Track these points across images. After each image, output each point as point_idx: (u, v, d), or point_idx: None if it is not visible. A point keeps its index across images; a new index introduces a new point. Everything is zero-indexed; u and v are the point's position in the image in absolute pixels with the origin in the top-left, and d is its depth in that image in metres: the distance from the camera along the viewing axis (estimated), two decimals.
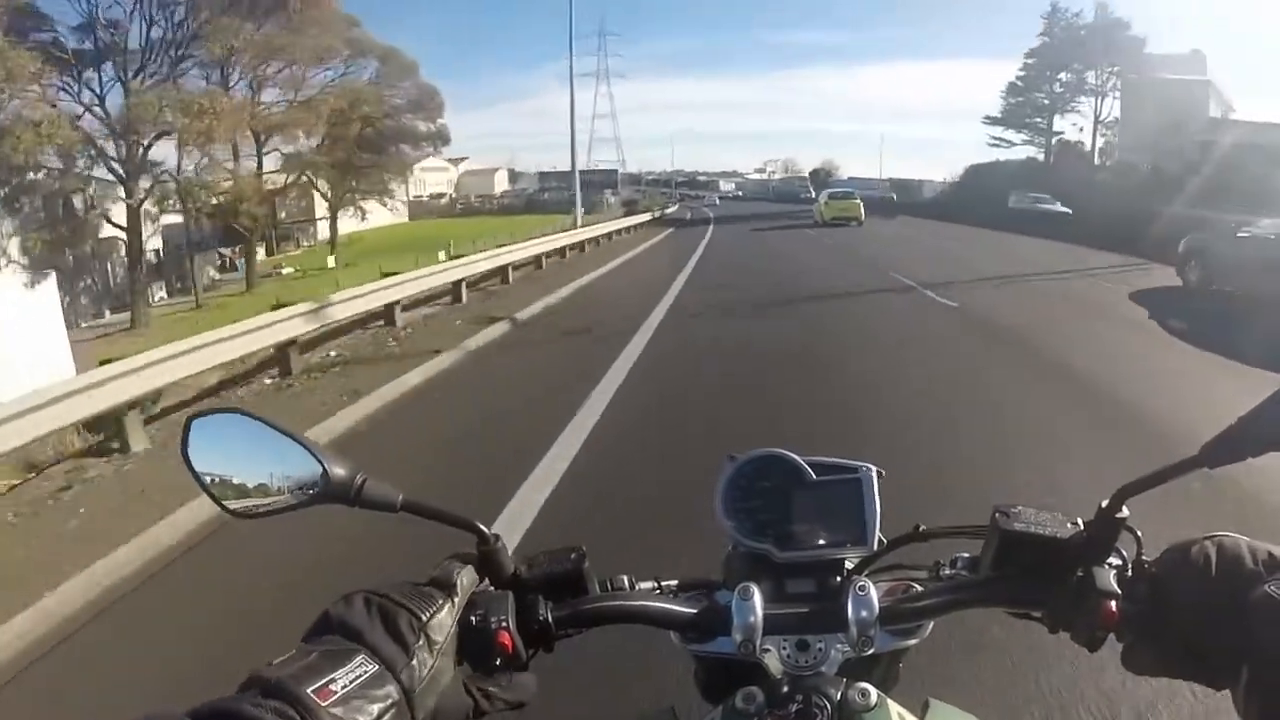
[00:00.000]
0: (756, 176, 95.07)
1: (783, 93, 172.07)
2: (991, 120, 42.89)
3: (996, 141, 43.05)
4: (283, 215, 36.87)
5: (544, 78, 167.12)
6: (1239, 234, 9.75)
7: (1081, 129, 39.95)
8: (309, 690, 0.46)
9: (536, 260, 15.73)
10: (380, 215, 38.11)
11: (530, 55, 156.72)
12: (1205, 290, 9.91)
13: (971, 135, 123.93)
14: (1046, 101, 40.72)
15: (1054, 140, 41.20)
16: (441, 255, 16.87)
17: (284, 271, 31.94)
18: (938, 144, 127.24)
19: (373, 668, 0.49)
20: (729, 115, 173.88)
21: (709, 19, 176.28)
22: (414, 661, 0.52)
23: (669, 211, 42.71)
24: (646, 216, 34.31)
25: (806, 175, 76.21)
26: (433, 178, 60.31)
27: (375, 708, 0.48)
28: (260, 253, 32.08)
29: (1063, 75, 39.51)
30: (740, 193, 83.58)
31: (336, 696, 0.46)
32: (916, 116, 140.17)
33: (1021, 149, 42.59)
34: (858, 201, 28.24)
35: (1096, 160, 38.60)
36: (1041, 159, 40.72)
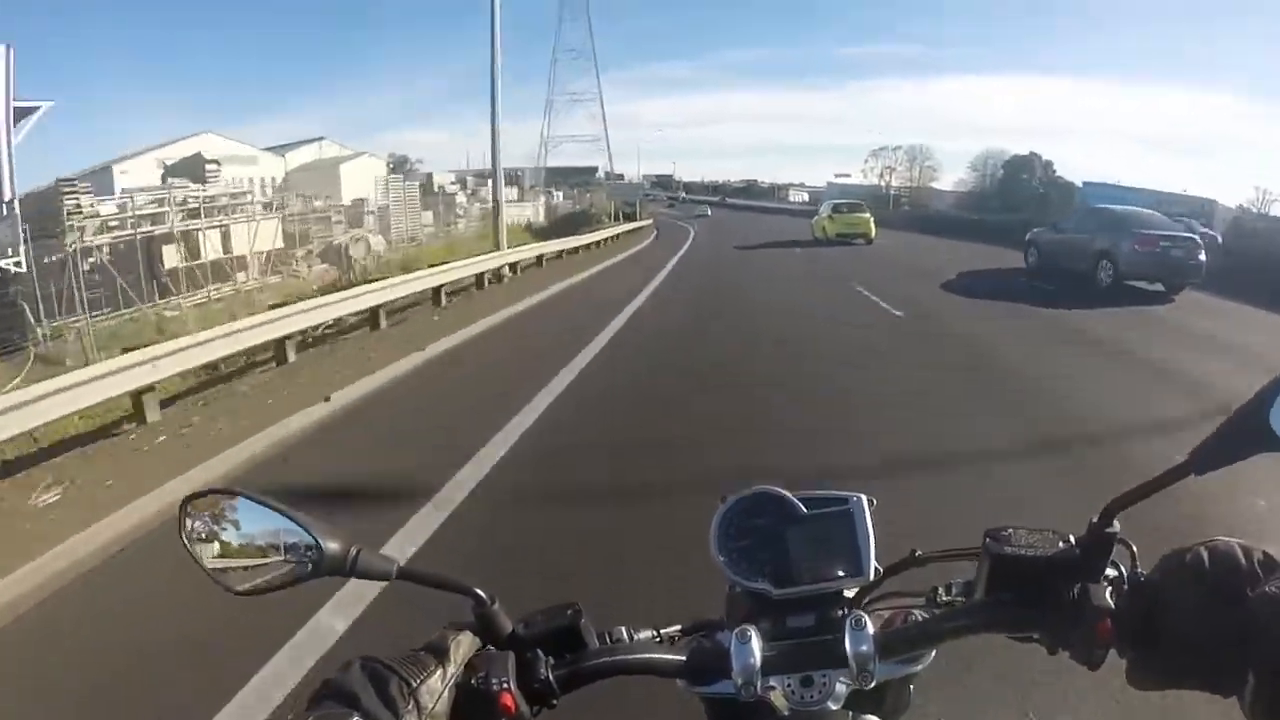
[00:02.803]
0: (842, 181, 64.43)
1: (861, 107, 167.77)
2: None
3: None
4: None
5: (615, 85, 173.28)
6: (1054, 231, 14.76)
7: None
8: None
9: None
10: None
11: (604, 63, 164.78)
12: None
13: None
14: None
15: None
16: None
17: None
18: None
19: None
20: (804, 128, 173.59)
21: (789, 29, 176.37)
22: None
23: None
24: None
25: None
26: (235, 170, 26.71)
27: None
28: None
29: None
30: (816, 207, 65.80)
31: None
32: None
33: None
34: (867, 216, 25.06)
35: None
36: None
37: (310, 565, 0.60)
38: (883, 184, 64.62)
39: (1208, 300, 11.60)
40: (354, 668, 0.56)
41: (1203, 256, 12.05)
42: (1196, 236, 12.56)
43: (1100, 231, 12.87)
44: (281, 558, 0.61)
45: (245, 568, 0.61)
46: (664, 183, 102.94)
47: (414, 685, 0.56)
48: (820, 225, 25.88)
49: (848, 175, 71.69)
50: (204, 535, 0.62)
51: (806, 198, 72.61)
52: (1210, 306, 11.12)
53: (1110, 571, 0.62)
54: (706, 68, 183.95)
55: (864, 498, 0.73)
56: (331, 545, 0.61)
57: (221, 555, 0.61)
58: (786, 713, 0.65)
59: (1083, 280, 12.62)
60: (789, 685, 0.65)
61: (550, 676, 0.62)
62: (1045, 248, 14.75)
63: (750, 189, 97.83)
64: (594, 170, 79.13)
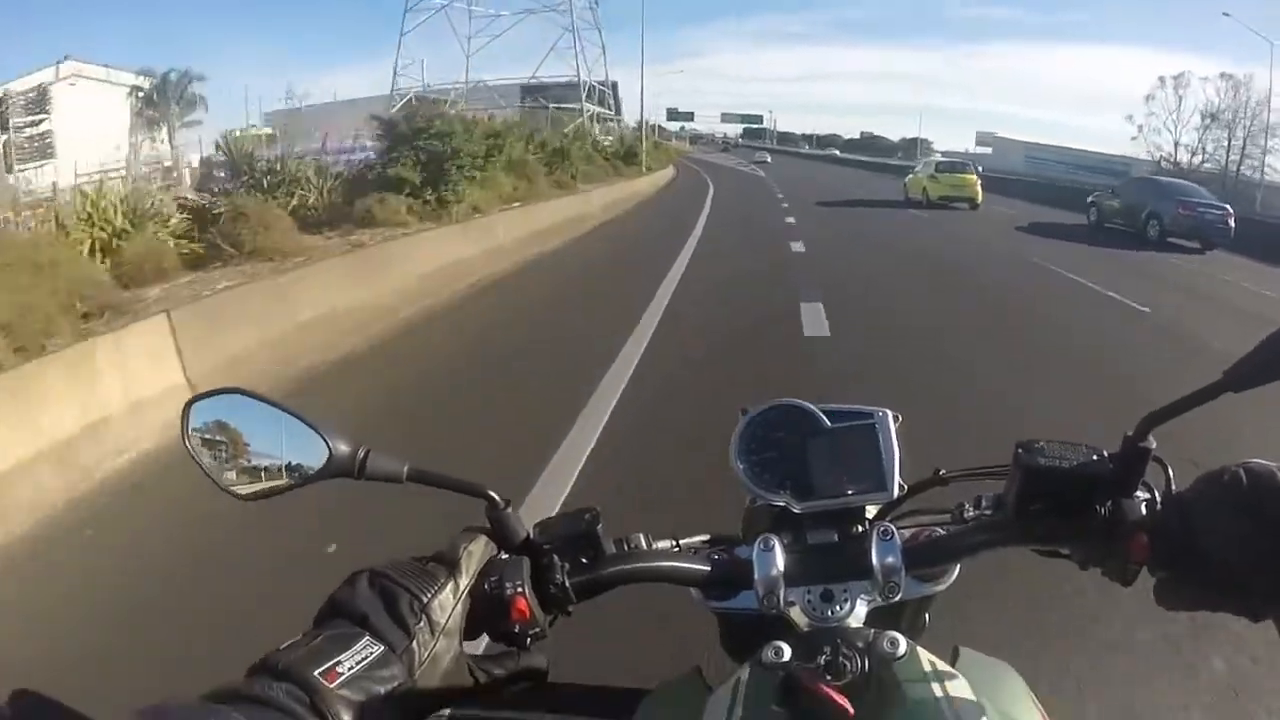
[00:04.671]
0: (1007, 136, 49.27)
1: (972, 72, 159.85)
2: None
3: None
4: None
5: (714, 36, 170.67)
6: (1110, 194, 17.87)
7: None
8: (316, 672, 0.48)
9: None
10: None
11: (699, 10, 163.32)
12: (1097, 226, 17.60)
13: None
14: None
15: None
16: None
17: None
18: None
19: (377, 649, 0.51)
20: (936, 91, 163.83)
21: None
22: (414, 643, 0.53)
23: None
24: None
25: None
26: None
27: (381, 689, 0.49)
28: None
29: None
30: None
31: (343, 678, 0.48)
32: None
33: None
34: (974, 177, 21.92)
35: None
36: None
37: (318, 467, 0.59)
38: (1169, 155, 35.40)
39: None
40: (361, 583, 0.55)
41: (1231, 222, 14.87)
42: (1228, 206, 15.41)
43: (1151, 197, 15.97)
44: (287, 460, 0.60)
45: (250, 471, 0.60)
46: (754, 131, 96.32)
47: (425, 600, 0.55)
48: (919, 185, 22.68)
49: (992, 132, 60.64)
50: (208, 437, 0.60)
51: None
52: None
53: (1142, 494, 0.60)
54: (817, 24, 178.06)
55: (889, 413, 0.71)
56: (340, 447, 0.59)
57: (226, 458, 0.60)
58: (805, 628, 0.63)
59: (1133, 235, 15.87)
60: (809, 599, 0.64)
61: (566, 582, 0.61)
62: (1104, 209, 17.82)
63: (872, 144, 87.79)
64: (594, 92, 46.71)
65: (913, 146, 72.56)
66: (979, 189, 21.88)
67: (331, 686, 0.48)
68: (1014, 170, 37.29)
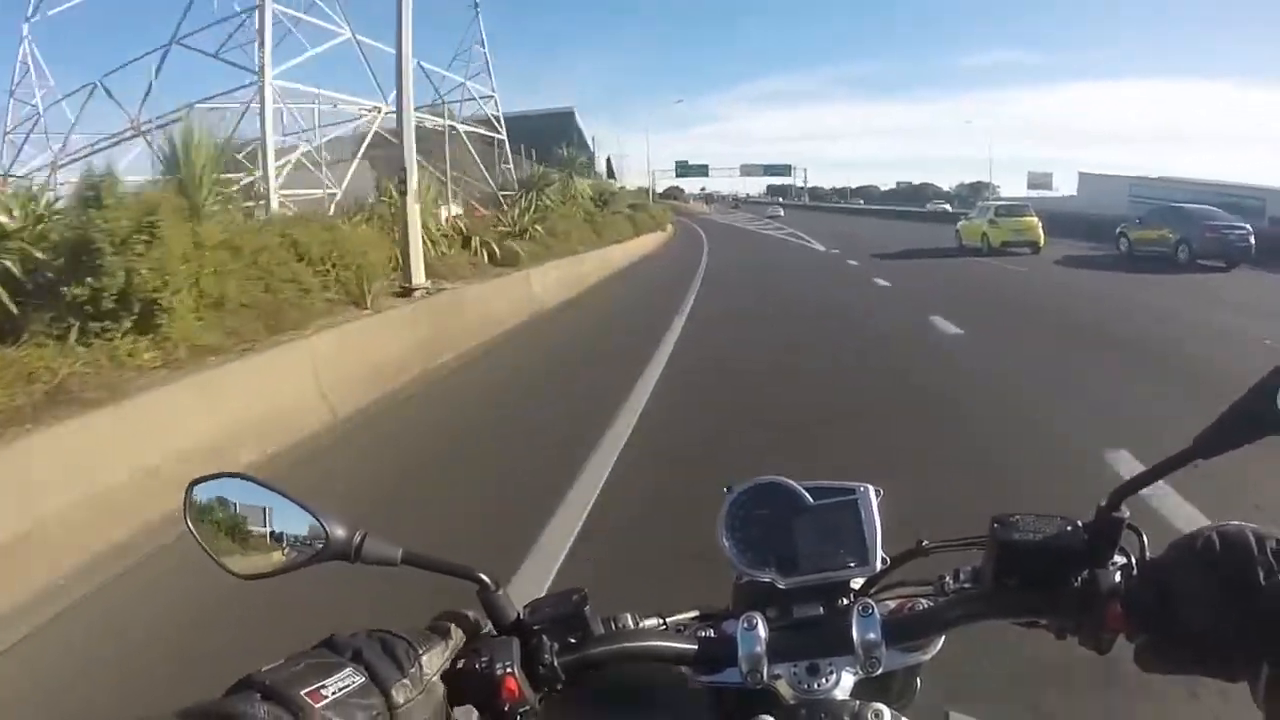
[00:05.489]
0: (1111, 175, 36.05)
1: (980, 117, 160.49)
2: None
3: None
4: None
5: (733, 102, 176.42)
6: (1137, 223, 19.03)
7: None
8: (301, 692, 0.48)
9: None
10: None
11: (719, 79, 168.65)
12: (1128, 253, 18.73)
13: None
14: None
15: None
16: None
17: None
18: None
19: (360, 679, 0.52)
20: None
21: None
22: (405, 679, 0.54)
23: None
24: None
25: None
26: None
27: (362, 715, 0.50)
28: None
29: None
30: None
31: (327, 701, 0.49)
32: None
33: None
34: (1034, 220, 20.87)
35: None
36: None
37: (315, 550, 0.61)
38: None
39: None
40: (360, 632, 0.58)
41: (1252, 240, 15.94)
42: (1248, 226, 16.43)
43: (1178, 223, 17.07)
44: (286, 542, 0.61)
45: (250, 552, 0.62)
46: (779, 188, 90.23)
47: (419, 650, 0.57)
48: (977, 231, 21.51)
49: (1049, 175, 55.71)
50: (209, 518, 0.62)
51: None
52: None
53: (1119, 558, 0.61)
54: (828, 82, 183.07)
55: (870, 488, 0.73)
56: (337, 531, 0.61)
57: (226, 539, 0.62)
58: (792, 701, 0.64)
59: (1164, 259, 16.94)
60: (795, 673, 0.65)
61: (555, 662, 0.62)
62: (1134, 238, 18.93)
63: (916, 194, 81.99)
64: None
65: (972, 193, 64.93)
66: (1040, 231, 20.84)
67: (317, 707, 0.48)
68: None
